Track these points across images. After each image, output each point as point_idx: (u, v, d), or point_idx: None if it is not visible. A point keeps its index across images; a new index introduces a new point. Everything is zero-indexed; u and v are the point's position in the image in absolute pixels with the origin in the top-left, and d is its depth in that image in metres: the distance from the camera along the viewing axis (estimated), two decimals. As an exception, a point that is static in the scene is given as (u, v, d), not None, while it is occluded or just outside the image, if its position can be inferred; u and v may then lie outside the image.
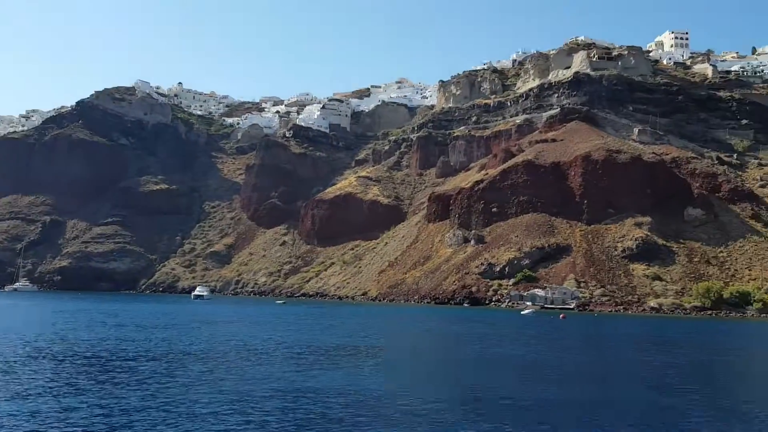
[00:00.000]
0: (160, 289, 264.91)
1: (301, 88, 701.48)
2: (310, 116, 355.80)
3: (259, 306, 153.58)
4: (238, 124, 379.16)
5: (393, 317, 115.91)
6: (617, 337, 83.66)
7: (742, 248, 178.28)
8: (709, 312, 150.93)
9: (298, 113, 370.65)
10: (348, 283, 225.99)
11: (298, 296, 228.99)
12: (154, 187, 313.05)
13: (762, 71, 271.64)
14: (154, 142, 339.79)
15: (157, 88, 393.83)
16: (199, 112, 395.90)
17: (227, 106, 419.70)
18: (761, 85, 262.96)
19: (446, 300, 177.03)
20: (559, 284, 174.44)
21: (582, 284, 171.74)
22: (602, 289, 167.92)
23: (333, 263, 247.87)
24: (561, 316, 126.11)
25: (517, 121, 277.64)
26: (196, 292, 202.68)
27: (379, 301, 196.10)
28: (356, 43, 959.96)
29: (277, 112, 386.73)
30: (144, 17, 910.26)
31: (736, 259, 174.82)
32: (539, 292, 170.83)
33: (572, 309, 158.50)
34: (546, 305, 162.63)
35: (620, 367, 50.93)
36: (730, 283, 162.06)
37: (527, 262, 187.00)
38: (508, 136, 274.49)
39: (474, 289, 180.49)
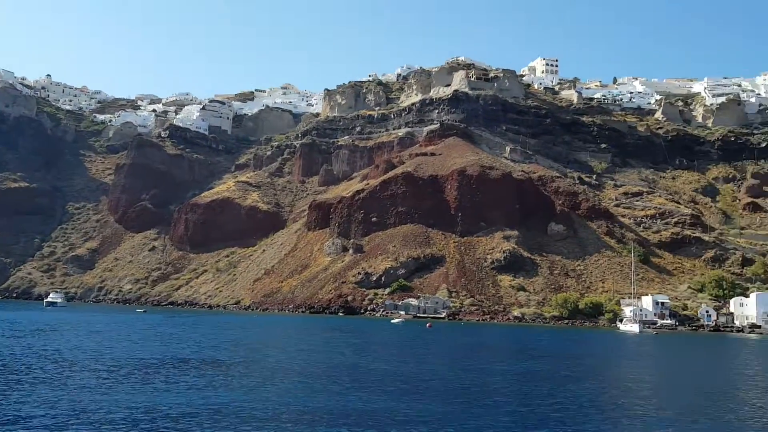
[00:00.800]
0: (14, 295, 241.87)
1: (182, 88, 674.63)
2: (189, 117, 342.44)
3: (113, 314, 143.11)
4: (110, 121, 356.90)
5: (254, 327, 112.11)
6: (458, 346, 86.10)
7: (597, 262, 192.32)
8: (566, 321, 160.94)
9: (177, 113, 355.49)
10: (220, 291, 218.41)
11: (166, 305, 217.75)
12: (12, 185, 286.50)
13: (621, 100, 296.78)
14: (15, 137, 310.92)
15: (23, 79, 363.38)
16: (68, 107, 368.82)
17: (99, 102, 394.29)
18: (620, 112, 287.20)
19: (321, 309, 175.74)
20: (432, 294, 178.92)
21: (453, 294, 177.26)
22: (472, 298, 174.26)
23: (206, 271, 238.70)
24: (428, 325, 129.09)
25: (400, 134, 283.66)
26: (48, 299, 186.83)
27: (252, 310, 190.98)
28: (242, 46, 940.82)
29: (154, 110, 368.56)
30: (10, 2, 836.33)
31: (592, 272, 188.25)
32: (413, 301, 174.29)
33: (443, 318, 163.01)
34: (419, 314, 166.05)
35: (434, 376, 51.82)
36: (586, 295, 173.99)
37: (403, 271, 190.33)
38: (390, 148, 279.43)
39: (350, 298, 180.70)
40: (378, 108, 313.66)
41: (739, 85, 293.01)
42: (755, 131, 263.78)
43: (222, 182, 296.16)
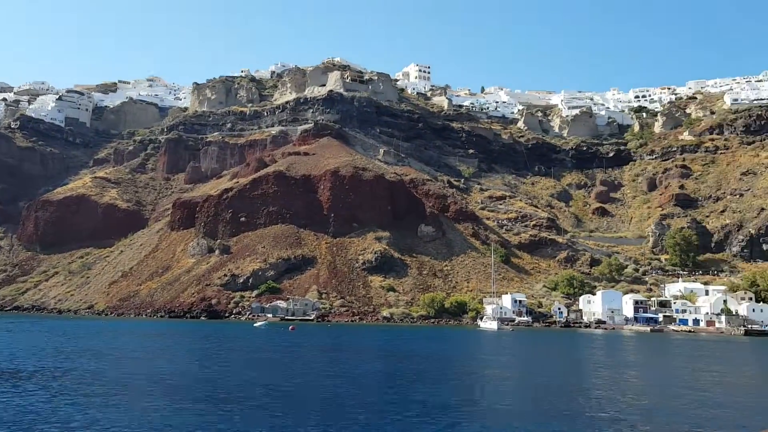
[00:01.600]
0: None
1: (37, 76, 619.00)
2: (44, 107, 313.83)
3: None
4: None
5: (93, 333, 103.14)
6: (313, 347, 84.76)
7: (463, 262, 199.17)
8: (433, 320, 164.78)
9: (30, 103, 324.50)
10: (72, 295, 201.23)
11: (9, 310, 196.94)
12: None
13: (488, 108, 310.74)
14: None
15: None
16: None
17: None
18: (486, 120, 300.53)
19: (182, 313, 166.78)
20: (302, 296, 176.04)
21: (324, 295, 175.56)
22: (342, 300, 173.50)
23: (57, 273, 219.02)
24: (291, 328, 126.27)
25: (273, 132, 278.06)
26: None
27: (107, 315, 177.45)
28: (105, 34, 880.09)
29: (4, 99, 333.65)
30: None
31: (458, 272, 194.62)
32: (281, 303, 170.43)
33: (312, 320, 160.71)
34: (287, 317, 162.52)
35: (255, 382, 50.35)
36: (452, 294, 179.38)
37: (272, 273, 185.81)
38: (263, 146, 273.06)
39: (214, 301, 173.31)
40: (250, 105, 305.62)
41: (592, 99, 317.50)
42: (604, 142, 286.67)
43: (78, 178, 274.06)
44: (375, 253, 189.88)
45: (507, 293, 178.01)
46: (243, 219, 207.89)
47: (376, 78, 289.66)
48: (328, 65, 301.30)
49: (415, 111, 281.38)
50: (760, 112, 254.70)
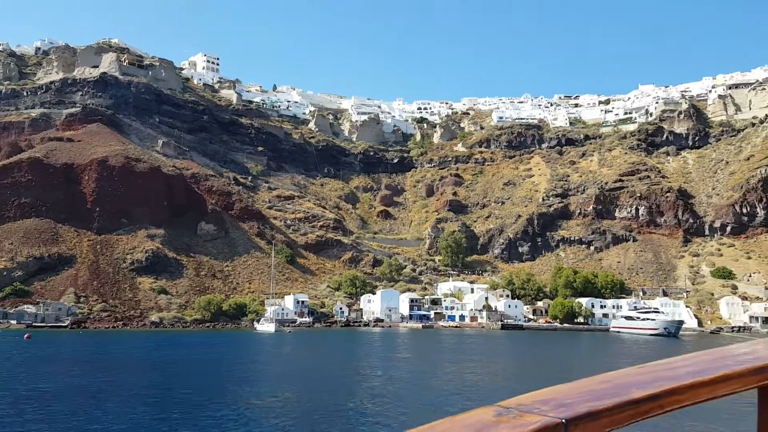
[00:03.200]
0: None
1: None
2: None
3: None
4: None
5: None
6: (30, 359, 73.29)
7: (246, 263, 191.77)
8: (208, 324, 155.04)
9: None
10: None
11: None
12: None
13: (279, 107, 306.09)
14: None
15: None
16: None
17: None
18: (277, 118, 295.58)
19: None
20: (56, 299, 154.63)
21: (83, 299, 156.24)
22: (104, 303, 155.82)
23: None
24: (26, 336, 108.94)
25: (33, 115, 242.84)
26: None
27: None
28: None
29: None
30: None
31: (240, 273, 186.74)
32: (30, 308, 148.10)
33: (65, 326, 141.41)
34: (36, 323, 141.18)
35: None
36: (232, 296, 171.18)
37: (21, 273, 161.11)
38: (20, 130, 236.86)
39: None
40: (8, 83, 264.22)
41: (380, 107, 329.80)
42: (390, 148, 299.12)
43: None
44: (146, 252, 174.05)
45: (290, 294, 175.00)
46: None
47: (157, 64, 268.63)
48: (104, 46, 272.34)
49: (201, 102, 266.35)
50: (520, 130, 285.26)
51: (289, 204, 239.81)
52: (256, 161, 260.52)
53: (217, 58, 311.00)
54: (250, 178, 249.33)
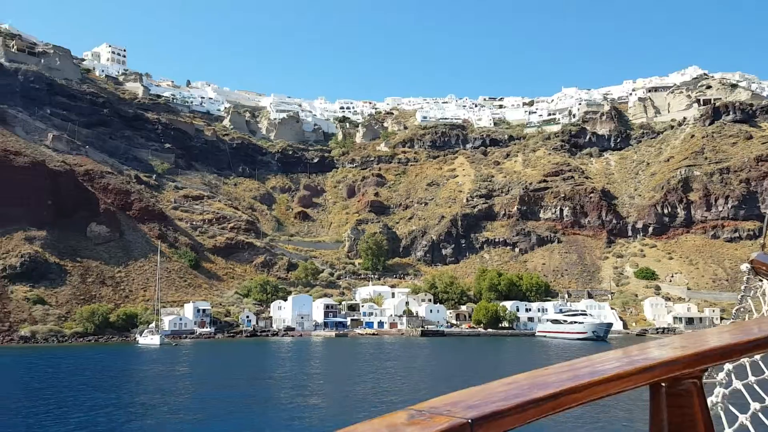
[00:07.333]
0: None
1: None
2: None
3: None
4: None
5: None
6: None
7: (142, 268, 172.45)
8: (91, 338, 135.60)
9: None
10: None
11: None
12: None
13: (191, 102, 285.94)
14: None
15: None
16: None
17: None
18: (188, 114, 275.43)
19: None
20: None
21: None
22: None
23: None
24: None
25: None
26: None
27: None
28: None
29: None
30: None
31: (134, 279, 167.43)
32: None
33: None
34: None
35: None
36: (122, 305, 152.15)
37: None
38: None
39: None
40: None
41: (300, 105, 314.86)
42: (310, 147, 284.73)
43: None
44: (22, 256, 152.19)
45: (190, 302, 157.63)
46: None
47: (52, 51, 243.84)
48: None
49: (101, 95, 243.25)
50: (444, 130, 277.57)
51: (197, 204, 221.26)
52: (162, 158, 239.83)
53: (124, 50, 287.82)
54: (154, 176, 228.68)
